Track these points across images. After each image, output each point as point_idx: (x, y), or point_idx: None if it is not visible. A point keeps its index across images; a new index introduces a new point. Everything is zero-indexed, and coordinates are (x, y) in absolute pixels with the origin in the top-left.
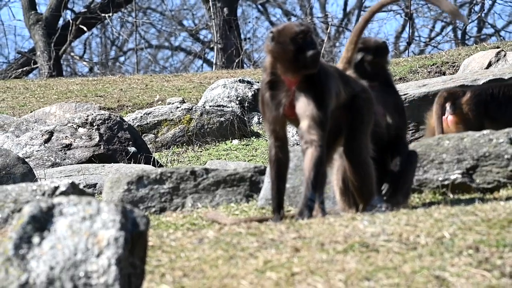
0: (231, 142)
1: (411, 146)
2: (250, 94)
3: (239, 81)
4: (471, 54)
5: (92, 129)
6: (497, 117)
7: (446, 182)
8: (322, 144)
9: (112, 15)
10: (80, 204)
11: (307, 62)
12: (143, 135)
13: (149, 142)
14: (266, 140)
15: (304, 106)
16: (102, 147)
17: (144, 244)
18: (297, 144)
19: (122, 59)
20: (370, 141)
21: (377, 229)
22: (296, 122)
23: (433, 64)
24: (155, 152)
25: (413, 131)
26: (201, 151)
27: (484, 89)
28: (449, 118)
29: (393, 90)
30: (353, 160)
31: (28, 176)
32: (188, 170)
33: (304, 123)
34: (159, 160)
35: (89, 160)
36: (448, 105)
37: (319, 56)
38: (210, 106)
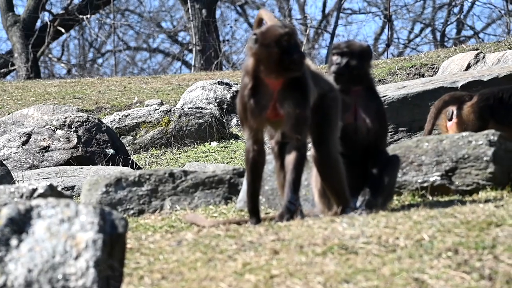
0: (209, 144)
1: (390, 148)
2: (229, 96)
3: (218, 83)
4: (450, 56)
5: (70, 131)
6: (504, 122)
7: (425, 184)
8: (305, 143)
9: (90, 17)
10: (59, 206)
11: (293, 65)
12: (122, 137)
13: (127, 144)
14: (245, 142)
15: (289, 108)
16: (80, 149)
17: (122, 246)
18: None
19: (100, 61)
20: (338, 141)
21: (356, 231)
22: (277, 124)
23: (412, 66)
24: (134, 154)
25: (392, 133)
26: (179, 153)
27: (493, 93)
28: (452, 122)
29: (376, 95)
30: (322, 161)
31: (6, 178)
32: (167, 172)
33: (289, 125)
34: (137, 162)
35: (67, 162)
36: (454, 110)
37: (304, 58)
38: (188, 108)
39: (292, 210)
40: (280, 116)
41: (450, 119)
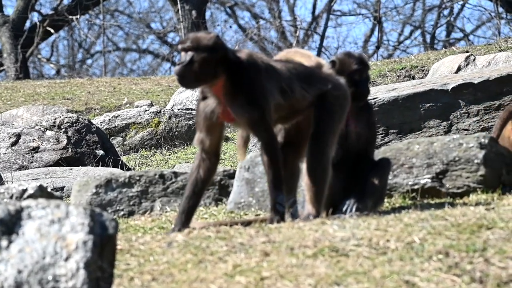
0: None
1: (381, 150)
2: None
3: None
4: (440, 58)
5: (60, 132)
6: None
7: (416, 187)
8: (271, 141)
9: (79, 17)
10: (49, 207)
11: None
12: (111, 138)
13: (117, 145)
14: (235, 144)
15: (237, 111)
16: (70, 150)
17: (112, 247)
18: None
19: (89, 61)
20: (335, 143)
21: (347, 233)
22: (237, 127)
23: (402, 68)
24: (123, 155)
25: (383, 135)
26: (169, 155)
27: None
28: None
29: (367, 103)
30: (314, 158)
31: None
32: (157, 173)
33: (246, 127)
34: (127, 164)
35: (57, 163)
36: None
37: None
38: (178, 109)
39: (281, 210)
40: (233, 119)
41: None
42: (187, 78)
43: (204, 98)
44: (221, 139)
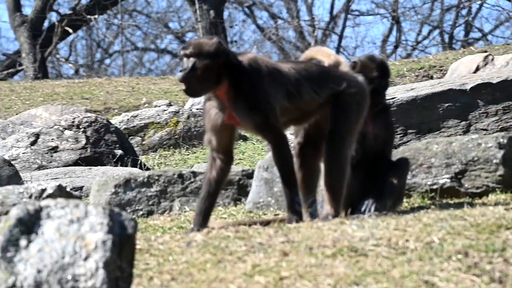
0: None
1: (400, 150)
2: None
3: None
4: (459, 58)
5: (79, 132)
6: None
7: (435, 187)
8: (279, 143)
9: (97, 17)
10: (68, 207)
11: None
12: (130, 138)
13: (136, 145)
14: (253, 143)
15: (241, 115)
16: (88, 150)
17: (131, 247)
18: None
19: (108, 61)
20: (353, 143)
21: (366, 233)
22: (244, 130)
23: (420, 68)
24: (142, 155)
25: (401, 135)
26: (188, 154)
27: None
28: None
29: (385, 104)
30: (330, 159)
31: (14, 178)
32: (176, 173)
33: (252, 132)
34: (146, 163)
35: (76, 163)
36: None
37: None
38: (197, 109)
39: (298, 210)
40: (238, 122)
41: None
42: (190, 85)
43: (209, 98)
44: (232, 139)
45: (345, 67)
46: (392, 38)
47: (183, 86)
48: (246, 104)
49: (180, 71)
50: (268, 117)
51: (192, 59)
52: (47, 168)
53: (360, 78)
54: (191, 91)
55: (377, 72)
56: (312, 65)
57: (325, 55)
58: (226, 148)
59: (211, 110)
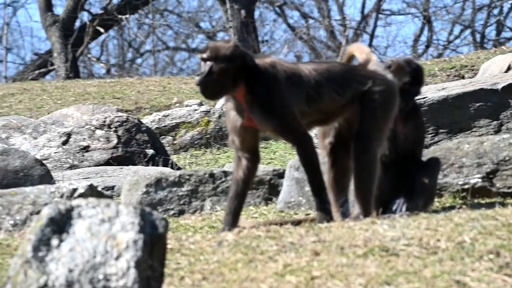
0: None
1: (431, 150)
2: None
3: None
4: (490, 58)
5: (110, 131)
6: None
7: (466, 186)
8: (302, 144)
9: (129, 17)
10: (99, 206)
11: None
12: (161, 137)
13: (167, 145)
14: (285, 143)
15: (258, 119)
16: (120, 150)
17: (163, 247)
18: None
19: (139, 61)
20: (383, 142)
21: (397, 233)
22: (265, 131)
23: (452, 68)
24: (173, 154)
25: (432, 135)
26: (219, 154)
27: None
28: None
29: (415, 104)
30: (358, 158)
31: (46, 178)
32: (207, 172)
33: (272, 135)
34: (177, 163)
35: (107, 163)
36: None
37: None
38: None
39: (328, 208)
40: (255, 124)
41: None
42: (208, 89)
43: (229, 100)
44: (256, 139)
45: (373, 65)
46: (423, 38)
47: (200, 90)
48: (263, 109)
49: (197, 75)
50: (285, 120)
51: (209, 63)
52: (79, 168)
53: (389, 76)
54: (208, 94)
55: (410, 78)
56: (335, 65)
57: (359, 52)
58: (250, 148)
59: (230, 111)
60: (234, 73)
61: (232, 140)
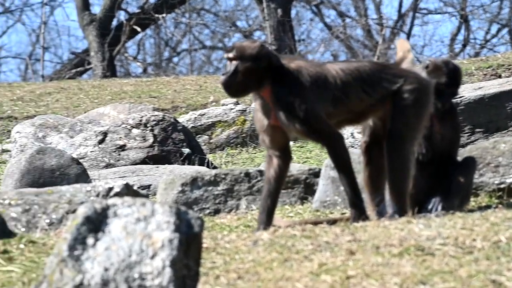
0: None
1: (467, 149)
2: None
3: None
4: None
5: (146, 130)
6: None
7: (502, 186)
8: (331, 143)
9: (165, 16)
10: (135, 205)
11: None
12: (197, 136)
13: (203, 144)
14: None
15: (283, 121)
16: (156, 148)
17: (198, 246)
18: (352, 147)
19: (175, 60)
20: (416, 141)
21: (433, 232)
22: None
23: (489, 67)
24: (209, 153)
25: (469, 134)
26: (255, 153)
27: None
28: None
29: (453, 107)
30: (391, 157)
31: (82, 177)
32: (243, 172)
33: (297, 133)
34: (213, 162)
35: (143, 161)
36: None
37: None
38: None
39: (361, 207)
40: (277, 123)
41: None
42: (232, 88)
43: (257, 98)
44: (286, 138)
45: (407, 63)
46: (460, 37)
47: (224, 89)
48: (287, 112)
49: (223, 74)
50: (310, 123)
51: (234, 63)
52: (115, 167)
53: (422, 74)
54: (232, 92)
55: (447, 79)
56: (365, 64)
57: (399, 48)
58: (281, 147)
59: (258, 110)
60: (259, 73)
61: (262, 139)
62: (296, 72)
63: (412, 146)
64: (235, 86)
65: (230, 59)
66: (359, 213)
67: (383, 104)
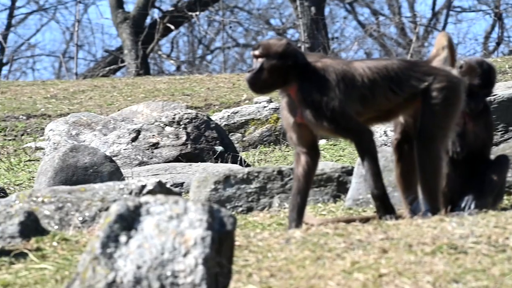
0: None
1: (500, 148)
2: None
3: None
4: None
5: (179, 128)
6: None
7: None
8: (358, 140)
9: (199, 14)
10: (167, 203)
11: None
12: (230, 134)
13: (236, 142)
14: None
15: (309, 120)
16: (189, 146)
17: (231, 243)
18: (385, 145)
19: (209, 57)
20: (447, 139)
21: (466, 231)
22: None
23: None
24: (242, 151)
25: (502, 132)
26: (288, 151)
27: None
28: None
29: (487, 106)
30: (421, 156)
31: (116, 174)
32: (275, 170)
33: (323, 130)
34: (246, 160)
35: (176, 159)
36: None
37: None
38: None
39: (388, 204)
40: (303, 121)
41: None
42: (257, 85)
43: (284, 96)
44: (313, 135)
45: (438, 61)
46: (494, 35)
47: (249, 86)
48: (312, 110)
49: (248, 71)
50: (336, 121)
51: (260, 60)
52: (148, 164)
53: (453, 72)
54: (256, 89)
55: (480, 80)
56: (393, 62)
57: (436, 44)
58: (308, 144)
59: (285, 108)
60: (284, 71)
61: (289, 136)
62: (322, 70)
63: (442, 145)
64: (260, 83)
65: (256, 57)
66: (387, 210)
67: (412, 102)
